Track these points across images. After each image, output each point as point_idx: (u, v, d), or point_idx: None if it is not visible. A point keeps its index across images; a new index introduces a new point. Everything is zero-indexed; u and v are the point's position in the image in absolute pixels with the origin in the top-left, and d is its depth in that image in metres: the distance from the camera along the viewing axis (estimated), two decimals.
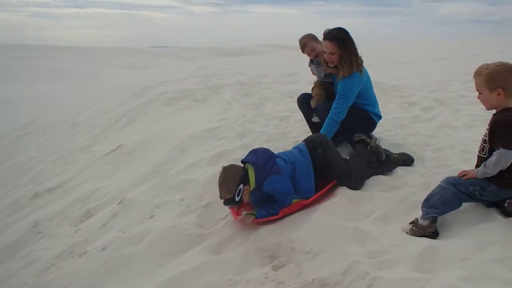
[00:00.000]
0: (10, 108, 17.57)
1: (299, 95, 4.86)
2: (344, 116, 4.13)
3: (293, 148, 3.79)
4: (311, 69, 4.67)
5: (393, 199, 3.27)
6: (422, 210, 2.88)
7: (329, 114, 4.12)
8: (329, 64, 4.18)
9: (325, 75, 4.49)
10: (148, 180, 5.00)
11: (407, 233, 2.86)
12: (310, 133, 4.69)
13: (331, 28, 4.10)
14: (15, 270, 4.15)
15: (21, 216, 5.62)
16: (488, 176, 2.82)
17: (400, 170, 3.78)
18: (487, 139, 2.86)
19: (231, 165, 3.45)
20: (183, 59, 42.42)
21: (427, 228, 2.80)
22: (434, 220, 2.83)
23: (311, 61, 4.61)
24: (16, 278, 3.98)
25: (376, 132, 4.56)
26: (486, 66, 2.80)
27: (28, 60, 35.61)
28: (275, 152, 3.66)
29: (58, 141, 9.72)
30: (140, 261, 3.36)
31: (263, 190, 3.35)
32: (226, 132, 5.85)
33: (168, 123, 7.29)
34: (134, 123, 8.43)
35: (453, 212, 2.90)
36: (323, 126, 4.16)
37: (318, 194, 3.48)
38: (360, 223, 3.03)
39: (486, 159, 2.84)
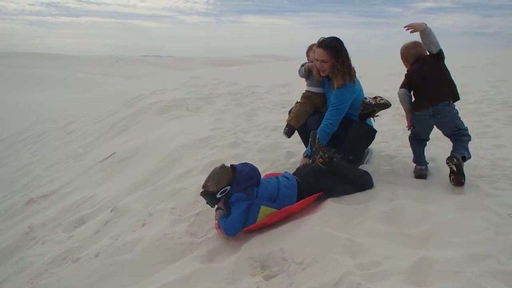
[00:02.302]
0: (4, 115, 17.52)
1: (290, 108, 4.74)
2: (335, 128, 4.10)
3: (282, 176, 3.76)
4: (302, 70, 4.49)
5: (385, 211, 3.28)
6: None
7: (321, 126, 4.07)
8: (321, 73, 4.17)
9: (309, 77, 4.43)
10: (141, 188, 5.03)
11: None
12: (302, 144, 4.72)
13: (326, 37, 4.10)
14: (9, 275, 4.17)
15: (15, 222, 5.63)
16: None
17: (393, 182, 3.79)
18: None
19: (231, 166, 3.48)
20: (176, 68, 42.53)
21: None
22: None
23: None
24: (10, 283, 3.99)
25: None
26: None
27: (21, 68, 35.50)
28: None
29: (51, 148, 9.73)
30: (132, 268, 3.36)
31: (230, 199, 3.38)
32: (218, 141, 5.89)
33: (160, 132, 7.32)
34: (127, 132, 8.48)
35: (446, 220, 2.98)
36: (323, 135, 4.06)
37: (304, 201, 3.49)
38: (352, 235, 3.03)
39: None
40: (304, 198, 3.51)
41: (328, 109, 4.14)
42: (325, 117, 4.11)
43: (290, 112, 4.62)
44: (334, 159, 3.68)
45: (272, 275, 2.91)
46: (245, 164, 3.57)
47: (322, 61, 4.06)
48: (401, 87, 3.90)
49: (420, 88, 3.82)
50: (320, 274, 2.69)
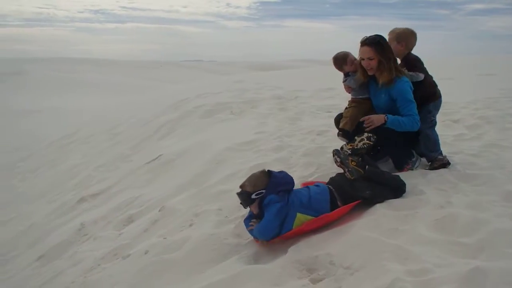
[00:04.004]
0: (56, 118, 18.29)
1: (337, 115, 4.67)
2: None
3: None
4: (345, 85, 4.46)
5: (437, 218, 3.21)
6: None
7: (407, 119, 3.97)
8: (368, 72, 4.10)
9: (360, 86, 4.35)
10: (187, 190, 5.13)
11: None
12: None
13: (368, 35, 4.07)
14: (63, 268, 4.35)
15: (68, 219, 5.89)
16: None
17: (444, 189, 3.71)
18: None
19: (271, 172, 3.53)
20: (218, 73, 43.01)
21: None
22: None
23: (347, 74, 4.42)
24: (64, 276, 4.16)
25: None
26: None
27: (70, 73, 37.00)
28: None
29: (100, 150, 10.06)
30: (180, 266, 3.43)
31: (264, 200, 3.41)
32: (262, 145, 5.93)
33: (205, 135, 7.44)
34: (172, 134, 8.65)
35: (500, 230, 2.90)
36: (399, 118, 3.97)
37: (341, 209, 3.46)
38: (401, 241, 2.97)
39: None
40: (339, 207, 3.49)
41: (402, 106, 4.02)
42: (407, 114, 4.00)
43: (338, 118, 4.56)
44: (366, 166, 3.70)
45: (319, 279, 2.88)
46: (281, 171, 3.63)
47: (369, 58, 4.02)
48: None
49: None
50: (369, 279, 2.65)
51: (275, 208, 3.37)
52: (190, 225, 4.14)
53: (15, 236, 6.44)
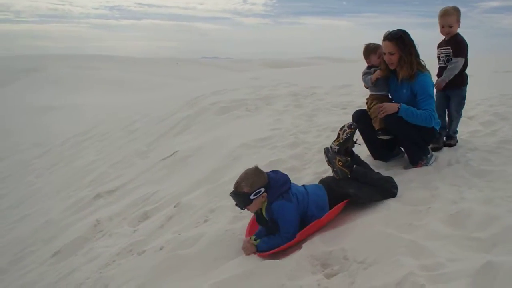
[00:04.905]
0: (72, 115, 18.52)
1: (354, 111, 4.61)
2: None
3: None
4: (368, 81, 4.38)
5: (451, 213, 3.19)
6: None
7: (424, 113, 3.95)
8: (390, 66, 4.11)
9: (378, 82, 4.30)
10: (202, 186, 5.15)
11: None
12: (363, 145, 4.63)
13: (391, 30, 4.07)
14: (79, 264, 4.41)
15: (84, 215, 5.95)
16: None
17: (458, 185, 3.69)
18: None
19: (265, 172, 3.41)
20: (234, 70, 43.07)
21: None
22: None
23: (370, 67, 4.38)
24: (80, 272, 4.22)
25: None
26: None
27: (86, 70, 37.41)
28: None
29: (116, 146, 10.15)
30: (196, 262, 3.45)
31: (271, 210, 3.28)
32: (278, 141, 5.93)
33: (221, 132, 7.46)
34: (188, 131, 8.69)
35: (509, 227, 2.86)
36: (413, 110, 3.95)
37: (331, 212, 3.40)
38: (415, 236, 2.96)
39: None
40: (332, 207, 3.43)
41: (421, 100, 4.01)
42: (424, 108, 3.98)
43: (356, 114, 4.48)
44: (354, 166, 3.68)
45: (333, 274, 2.89)
46: (275, 171, 3.48)
47: (390, 53, 4.03)
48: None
49: None
50: (382, 274, 2.65)
51: (290, 210, 3.27)
52: (205, 221, 4.17)
53: (31, 232, 6.54)
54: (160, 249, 3.83)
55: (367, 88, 4.49)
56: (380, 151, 4.49)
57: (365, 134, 4.49)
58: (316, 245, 3.18)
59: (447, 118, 4.82)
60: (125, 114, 14.42)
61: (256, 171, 3.34)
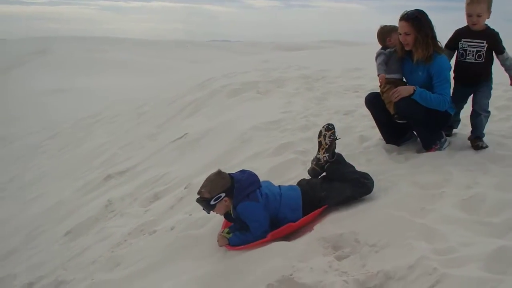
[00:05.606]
0: (82, 97, 18.58)
1: (367, 94, 4.55)
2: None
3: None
4: (381, 68, 4.25)
5: (464, 198, 3.18)
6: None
7: (439, 97, 3.89)
8: (405, 47, 4.03)
9: (392, 65, 4.20)
10: (213, 168, 5.08)
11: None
12: (376, 128, 4.59)
13: (408, 10, 3.99)
14: (91, 243, 4.47)
15: (95, 196, 6.00)
16: None
17: (472, 170, 3.65)
18: None
19: (226, 173, 3.38)
20: (244, 53, 42.76)
21: None
22: None
23: (384, 48, 4.28)
24: (92, 251, 4.28)
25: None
26: None
27: (96, 53, 37.35)
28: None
29: (126, 129, 10.19)
30: (206, 242, 3.47)
31: (237, 212, 3.28)
32: (289, 124, 5.89)
33: (231, 114, 7.43)
34: (198, 113, 8.67)
35: None
36: (428, 93, 3.90)
37: (308, 216, 3.36)
38: (427, 220, 2.96)
39: None
40: (306, 211, 3.38)
41: (437, 83, 3.94)
42: (437, 92, 3.92)
43: (369, 97, 4.42)
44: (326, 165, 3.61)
45: (344, 256, 2.89)
46: (243, 171, 3.46)
47: (405, 33, 3.95)
48: None
49: None
50: (394, 257, 2.65)
51: (256, 210, 3.25)
52: None
53: (43, 213, 6.62)
54: (171, 229, 3.86)
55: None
56: (392, 134, 4.45)
57: (378, 117, 4.44)
58: (327, 228, 3.19)
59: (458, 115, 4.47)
60: (135, 96, 14.43)
61: (216, 176, 3.33)
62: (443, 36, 4.15)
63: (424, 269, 2.43)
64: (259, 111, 6.98)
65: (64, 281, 3.96)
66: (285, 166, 4.45)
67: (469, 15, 3.99)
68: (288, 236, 3.28)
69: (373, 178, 3.54)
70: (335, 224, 3.21)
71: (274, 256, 2.98)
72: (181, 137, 7.05)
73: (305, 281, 2.66)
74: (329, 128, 3.70)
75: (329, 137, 3.66)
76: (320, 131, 3.72)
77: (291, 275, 2.72)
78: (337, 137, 3.75)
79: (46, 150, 11.66)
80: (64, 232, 5.30)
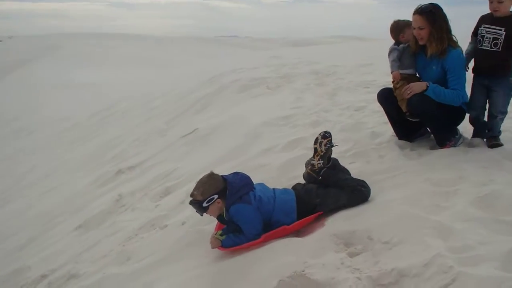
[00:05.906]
0: (94, 92, 18.70)
1: (379, 90, 4.49)
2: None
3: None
4: (395, 65, 4.20)
5: (479, 195, 3.12)
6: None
7: (453, 92, 3.85)
8: (419, 41, 3.97)
9: (405, 59, 4.15)
10: (224, 163, 5.13)
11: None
12: (388, 124, 4.55)
13: (422, 4, 3.93)
14: (102, 237, 4.48)
15: (107, 190, 6.03)
16: None
17: (487, 167, 3.59)
18: None
19: (219, 175, 3.37)
20: (254, 48, 42.70)
21: None
22: None
23: (397, 43, 4.24)
24: (103, 245, 4.30)
25: (461, 127, 4.27)
26: None
27: (107, 48, 37.56)
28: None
29: (136, 123, 10.23)
30: None
31: (229, 215, 3.26)
32: (299, 120, 5.87)
33: (241, 110, 7.42)
34: (208, 109, 8.68)
35: None
36: (441, 88, 3.85)
37: (301, 221, 3.32)
38: (442, 217, 2.91)
39: None
40: (300, 217, 3.34)
41: (451, 78, 3.89)
42: (452, 87, 3.88)
43: (381, 93, 4.37)
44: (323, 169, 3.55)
45: (357, 253, 2.86)
46: (236, 173, 3.45)
47: (419, 27, 3.89)
48: None
49: None
50: (408, 254, 2.62)
51: (249, 212, 3.23)
52: None
53: (58, 204, 6.68)
54: (182, 224, 3.86)
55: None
56: (405, 130, 4.40)
57: (390, 113, 4.40)
58: (339, 224, 3.16)
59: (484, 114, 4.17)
60: (145, 91, 14.48)
61: (209, 178, 3.32)
62: (457, 30, 4.08)
63: (439, 267, 2.40)
64: (269, 107, 6.97)
65: (76, 274, 3.98)
66: (296, 162, 4.41)
67: (490, 1, 3.79)
68: (300, 233, 3.25)
69: (386, 174, 3.51)
70: (347, 221, 3.18)
71: (286, 252, 2.96)
72: (191, 132, 7.05)
73: (317, 277, 2.63)
74: (326, 136, 3.66)
75: (325, 145, 3.62)
76: (317, 138, 3.68)
77: (303, 271, 2.69)
78: (334, 144, 3.70)
79: (64, 142, 11.84)
80: (76, 225, 5.33)
